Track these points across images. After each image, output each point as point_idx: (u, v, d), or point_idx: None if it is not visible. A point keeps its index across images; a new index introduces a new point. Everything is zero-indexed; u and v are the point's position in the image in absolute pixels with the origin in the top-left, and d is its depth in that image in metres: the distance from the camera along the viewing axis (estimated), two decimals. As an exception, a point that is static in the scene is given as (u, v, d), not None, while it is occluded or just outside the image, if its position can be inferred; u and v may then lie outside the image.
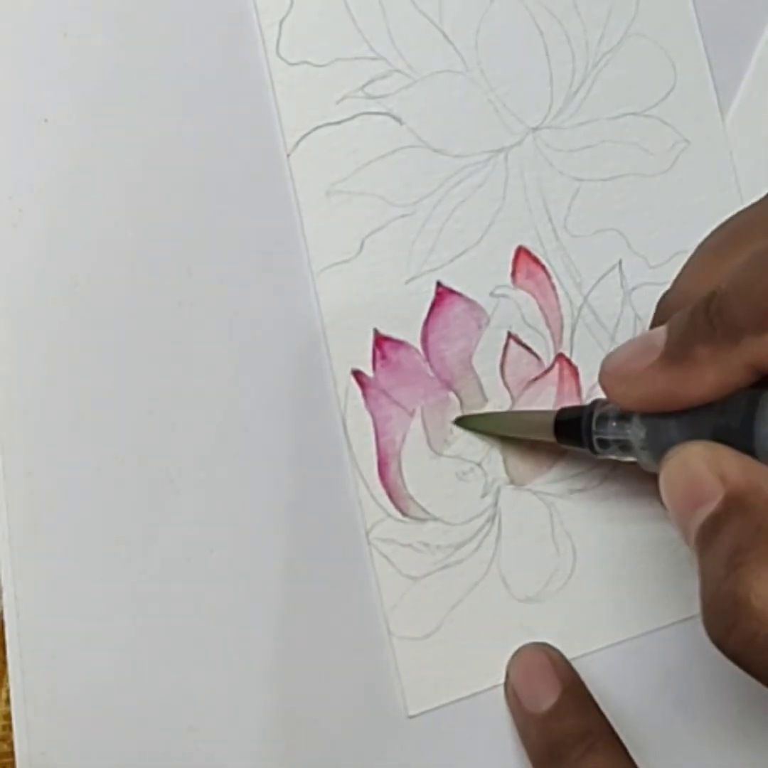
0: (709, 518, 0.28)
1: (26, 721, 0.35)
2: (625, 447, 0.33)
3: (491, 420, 0.38)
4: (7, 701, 0.36)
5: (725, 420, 0.29)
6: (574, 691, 0.36)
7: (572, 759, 0.35)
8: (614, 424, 0.33)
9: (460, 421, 0.38)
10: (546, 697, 0.36)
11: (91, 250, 0.37)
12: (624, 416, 0.33)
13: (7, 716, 0.36)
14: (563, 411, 0.36)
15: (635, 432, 0.32)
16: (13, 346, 0.37)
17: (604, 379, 0.32)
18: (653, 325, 0.36)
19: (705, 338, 0.29)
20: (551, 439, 0.36)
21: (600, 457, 0.34)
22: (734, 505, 0.27)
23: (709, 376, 0.29)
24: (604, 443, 0.34)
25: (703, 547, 0.28)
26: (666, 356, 0.30)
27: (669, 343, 0.30)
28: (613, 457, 0.34)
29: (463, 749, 0.37)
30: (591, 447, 0.34)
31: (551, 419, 0.36)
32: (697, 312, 0.30)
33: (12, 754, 0.36)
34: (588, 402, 0.35)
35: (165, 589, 0.37)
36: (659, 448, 0.31)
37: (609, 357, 0.32)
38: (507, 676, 0.37)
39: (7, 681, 0.36)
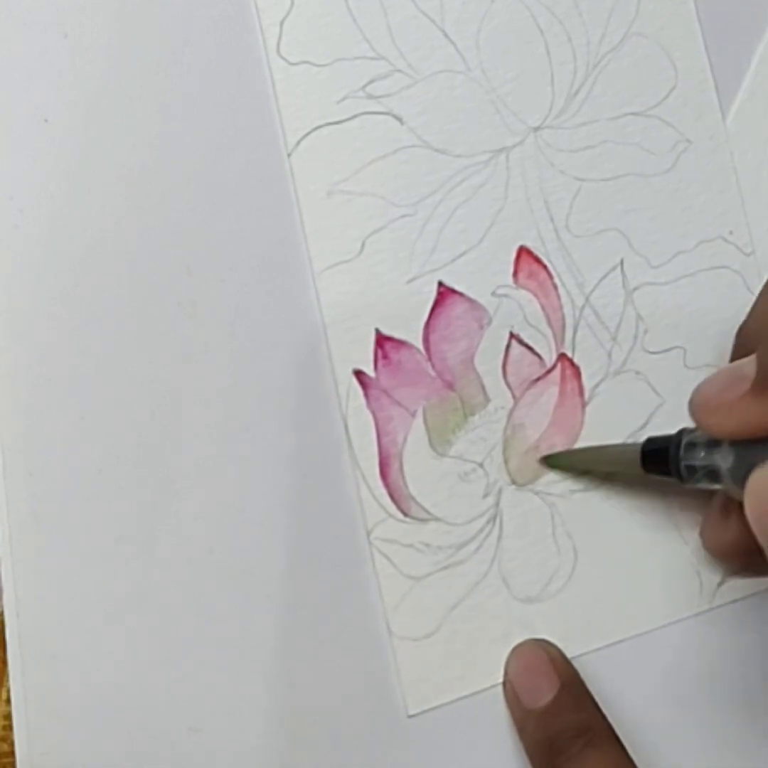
0: None
1: (27, 721, 0.35)
2: (712, 473, 0.34)
3: (576, 456, 0.39)
4: (8, 701, 0.36)
5: None
6: (572, 687, 0.37)
7: (570, 754, 0.35)
8: (703, 452, 0.34)
9: (546, 460, 0.38)
10: (544, 693, 0.36)
11: (91, 250, 0.37)
12: (713, 443, 0.34)
13: (8, 716, 0.36)
14: (650, 440, 0.36)
15: (724, 457, 0.33)
16: (14, 346, 0.37)
17: (695, 411, 0.34)
18: (734, 355, 0.37)
19: None
20: (637, 471, 0.36)
21: (687, 486, 0.35)
22: None
23: None
24: (691, 470, 0.34)
25: None
26: (758, 386, 0.32)
27: (760, 373, 0.32)
28: (699, 485, 0.35)
29: (463, 749, 0.37)
30: (679, 475, 0.35)
31: (637, 450, 0.36)
32: None
33: (12, 754, 0.36)
34: (675, 432, 0.36)
35: (166, 589, 0.36)
36: (747, 473, 0.31)
37: (698, 390, 0.34)
38: (505, 671, 0.37)
39: (8, 681, 0.36)
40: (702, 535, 0.38)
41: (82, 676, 0.36)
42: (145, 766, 0.36)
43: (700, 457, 0.34)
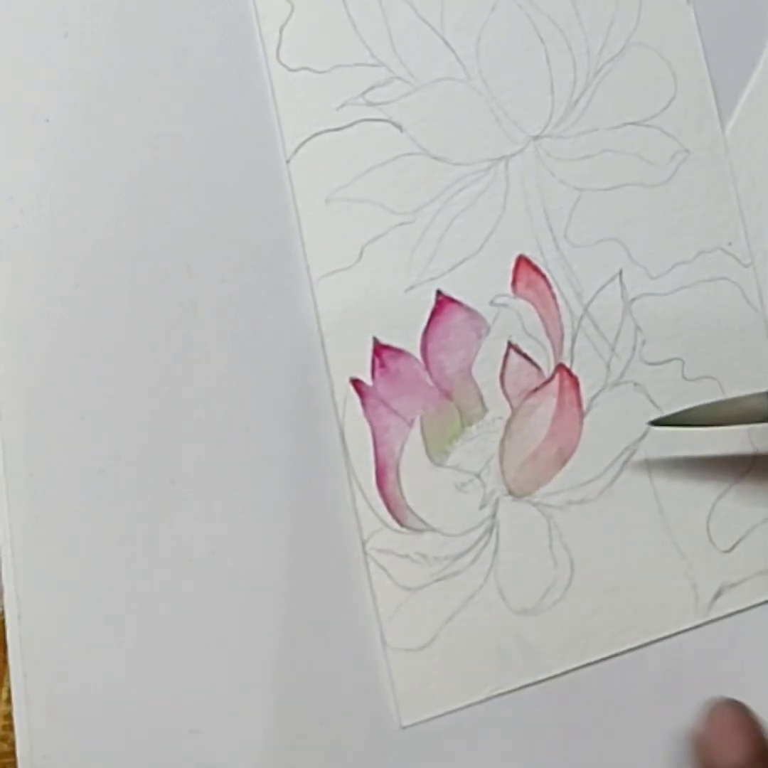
0: None
1: (28, 723, 0.36)
2: None
3: (693, 414, 0.38)
4: (8, 701, 0.36)
5: None
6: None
7: None
8: None
9: (659, 422, 0.38)
10: (735, 752, 0.36)
11: (92, 251, 0.37)
12: None
13: (8, 716, 0.36)
14: None
15: None
16: (15, 347, 0.37)
17: None
18: None
19: None
20: (764, 421, 0.36)
21: None
22: None
23: None
24: None
25: None
26: None
27: None
28: None
29: (456, 760, 0.37)
30: None
31: (764, 400, 0.36)
32: None
33: (12, 754, 0.36)
34: None
35: (166, 590, 0.36)
36: None
37: None
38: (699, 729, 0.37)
39: (8, 681, 0.36)
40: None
41: (82, 677, 0.36)
42: (144, 767, 0.36)
43: None
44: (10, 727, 0.36)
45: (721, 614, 0.39)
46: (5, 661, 0.36)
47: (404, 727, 0.37)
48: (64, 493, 0.36)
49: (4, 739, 0.36)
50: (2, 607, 0.36)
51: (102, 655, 0.36)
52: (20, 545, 0.36)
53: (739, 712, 0.37)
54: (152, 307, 0.37)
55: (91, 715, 0.36)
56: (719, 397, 0.39)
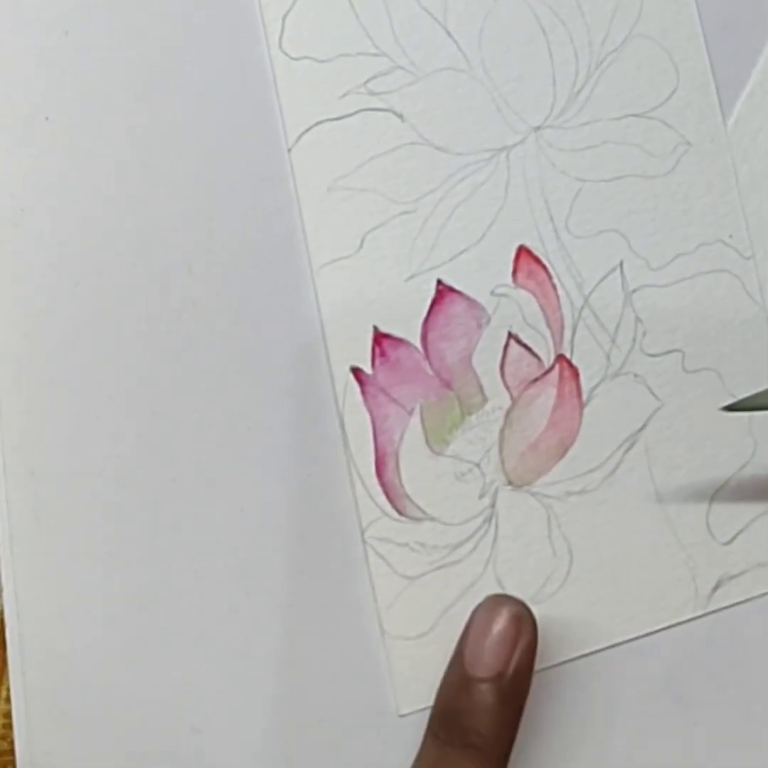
0: None
1: (27, 721, 0.36)
2: None
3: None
4: (8, 700, 0.36)
5: None
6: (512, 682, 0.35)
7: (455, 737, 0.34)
8: None
9: (733, 407, 0.37)
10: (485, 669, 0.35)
11: (92, 248, 0.37)
12: None
13: (7, 715, 0.36)
14: None
15: None
16: (15, 346, 0.37)
17: None
18: None
19: None
20: None
21: None
22: None
23: None
24: None
25: None
26: None
27: None
28: None
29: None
30: None
31: None
32: None
33: (12, 752, 0.36)
34: None
35: (166, 588, 0.37)
36: None
37: None
38: (472, 618, 0.36)
39: (8, 679, 0.36)
40: None
41: (82, 675, 0.36)
42: (144, 765, 0.36)
43: None
44: (10, 726, 0.36)
45: (720, 606, 0.39)
46: (5, 660, 0.36)
47: (402, 716, 0.37)
48: (64, 492, 0.36)
49: (4, 738, 0.36)
50: (2, 605, 0.36)
51: (102, 653, 0.36)
52: (20, 543, 0.36)
53: (507, 620, 0.35)
54: (153, 301, 0.37)
55: (90, 713, 0.36)
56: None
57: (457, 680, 0.35)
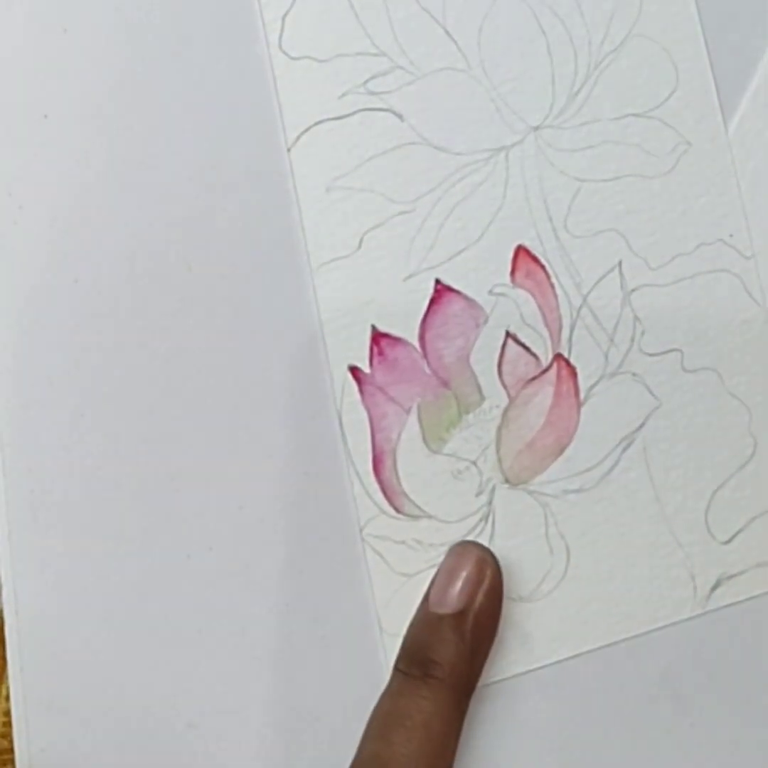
0: None
1: (26, 718, 0.36)
2: None
3: None
4: (7, 698, 0.36)
5: None
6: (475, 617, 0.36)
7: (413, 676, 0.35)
8: None
9: None
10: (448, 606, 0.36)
11: (91, 246, 0.37)
12: None
13: (7, 713, 0.36)
14: None
15: None
16: (14, 343, 0.37)
17: None
18: None
19: None
20: None
21: None
22: None
23: None
24: None
25: None
26: None
27: None
28: None
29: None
30: None
31: None
32: None
33: (11, 750, 0.36)
34: None
35: (165, 586, 0.37)
36: None
37: None
38: (440, 564, 0.37)
39: (7, 678, 0.36)
40: None
41: (80, 673, 0.36)
42: (144, 763, 0.36)
43: None
44: (9, 724, 0.36)
45: (719, 605, 0.39)
46: (4, 659, 0.36)
47: (400, 714, 0.37)
48: (63, 490, 0.36)
49: (3, 736, 0.37)
50: (0, 603, 0.36)
51: (100, 651, 0.36)
52: (18, 541, 0.36)
53: (472, 563, 0.37)
54: (151, 299, 0.37)
55: (89, 709, 0.36)
56: None
57: (421, 617, 0.37)
